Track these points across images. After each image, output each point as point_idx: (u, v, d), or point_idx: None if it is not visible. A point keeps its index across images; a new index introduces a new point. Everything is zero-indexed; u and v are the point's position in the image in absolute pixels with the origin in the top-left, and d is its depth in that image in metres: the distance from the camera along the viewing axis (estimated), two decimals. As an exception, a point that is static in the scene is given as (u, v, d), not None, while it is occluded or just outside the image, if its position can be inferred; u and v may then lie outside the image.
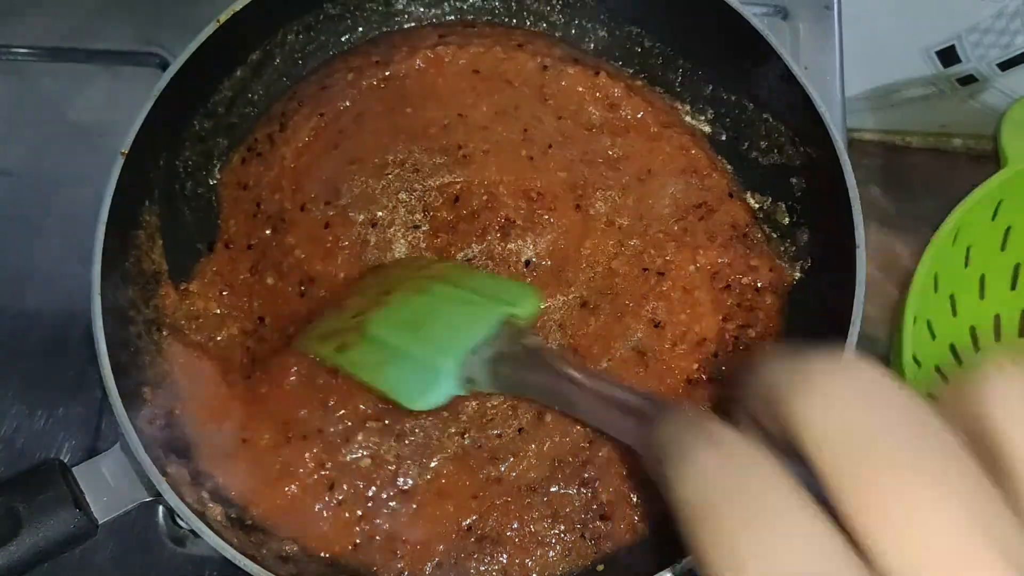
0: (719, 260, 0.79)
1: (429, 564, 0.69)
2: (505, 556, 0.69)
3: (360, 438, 0.70)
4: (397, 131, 0.81)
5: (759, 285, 0.78)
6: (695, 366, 0.75)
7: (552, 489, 0.71)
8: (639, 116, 0.85)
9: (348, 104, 0.84)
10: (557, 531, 0.70)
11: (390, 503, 0.70)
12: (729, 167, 0.85)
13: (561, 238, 0.78)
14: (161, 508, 0.78)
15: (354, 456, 0.70)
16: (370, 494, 0.70)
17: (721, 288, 0.78)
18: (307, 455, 0.69)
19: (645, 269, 0.78)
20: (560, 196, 0.79)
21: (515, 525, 0.70)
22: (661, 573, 0.63)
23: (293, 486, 0.69)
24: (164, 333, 0.75)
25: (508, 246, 0.77)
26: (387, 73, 0.84)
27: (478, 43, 0.87)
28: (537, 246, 0.77)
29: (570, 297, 0.77)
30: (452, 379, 0.63)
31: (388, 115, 0.83)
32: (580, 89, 0.85)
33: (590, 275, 0.77)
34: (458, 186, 0.79)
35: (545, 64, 0.85)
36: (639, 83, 0.88)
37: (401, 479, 0.70)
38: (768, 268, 0.79)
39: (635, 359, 0.75)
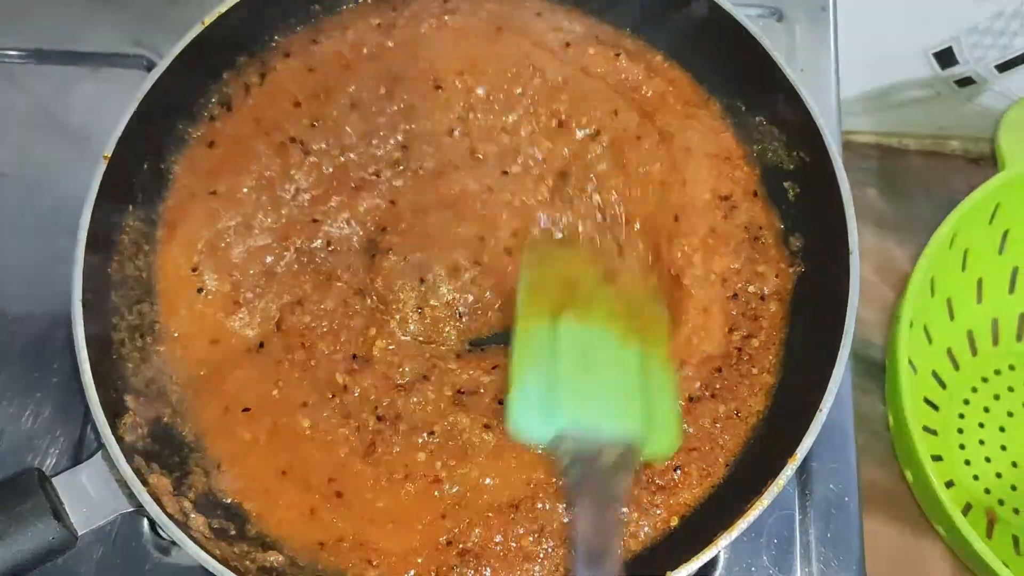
0: (731, 266, 0.77)
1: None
2: (489, 571, 0.68)
3: None
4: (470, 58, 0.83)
5: (764, 292, 0.77)
6: (698, 384, 0.74)
7: (538, 506, 0.70)
8: (661, 95, 0.84)
9: (350, 55, 0.84)
10: (545, 546, 0.69)
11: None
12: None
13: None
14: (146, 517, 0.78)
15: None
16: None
17: (729, 297, 0.77)
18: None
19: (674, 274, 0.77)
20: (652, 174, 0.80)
21: (499, 539, 0.69)
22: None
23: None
24: (148, 339, 0.75)
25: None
26: (391, 35, 0.84)
27: (487, 10, 0.86)
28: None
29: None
30: (551, 432, 0.62)
31: (430, 55, 0.83)
32: (600, 70, 0.84)
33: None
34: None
35: (567, 41, 0.85)
36: (659, 58, 0.86)
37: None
38: (775, 274, 0.78)
39: None
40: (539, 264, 0.72)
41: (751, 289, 0.77)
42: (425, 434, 0.71)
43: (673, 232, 0.78)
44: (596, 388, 0.64)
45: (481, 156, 0.81)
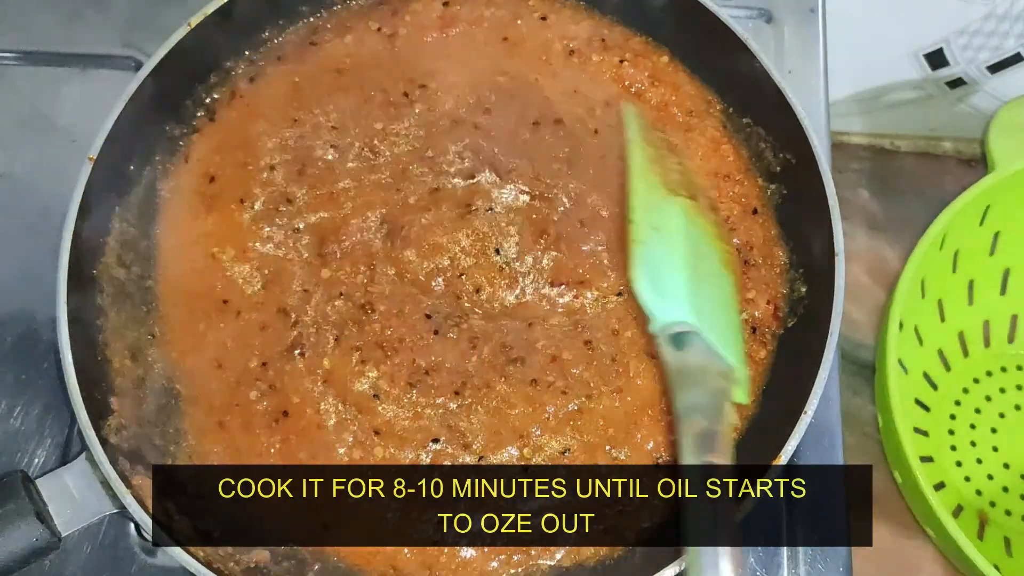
0: None
1: None
2: None
3: None
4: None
5: (754, 328, 0.76)
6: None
7: None
8: (665, 104, 0.83)
9: (348, 61, 0.83)
10: None
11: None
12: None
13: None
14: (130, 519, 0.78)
15: None
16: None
17: None
18: None
19: None
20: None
21: None
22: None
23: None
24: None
25: None
26: (394, 40, 0.84)
27: (490, 14, 0.85)
28: None
29: None
30: (660, 313, 0.63)
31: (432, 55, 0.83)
32: (606, 77, 0.84)
33: None
34: None
35: (572, 48, 0.84)
36: (664, 59, 0.85)
37: None
38: (765, 301, 0.76)
39: None
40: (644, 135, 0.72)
41: (743, 317, 0.75)
42: None
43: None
44: (708, 300, 0.65)
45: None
